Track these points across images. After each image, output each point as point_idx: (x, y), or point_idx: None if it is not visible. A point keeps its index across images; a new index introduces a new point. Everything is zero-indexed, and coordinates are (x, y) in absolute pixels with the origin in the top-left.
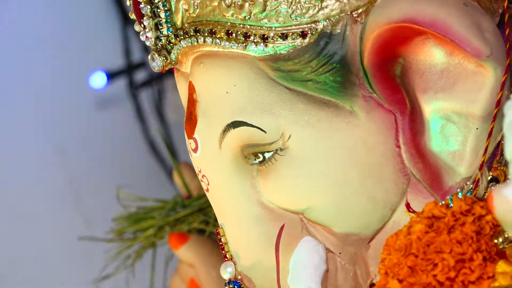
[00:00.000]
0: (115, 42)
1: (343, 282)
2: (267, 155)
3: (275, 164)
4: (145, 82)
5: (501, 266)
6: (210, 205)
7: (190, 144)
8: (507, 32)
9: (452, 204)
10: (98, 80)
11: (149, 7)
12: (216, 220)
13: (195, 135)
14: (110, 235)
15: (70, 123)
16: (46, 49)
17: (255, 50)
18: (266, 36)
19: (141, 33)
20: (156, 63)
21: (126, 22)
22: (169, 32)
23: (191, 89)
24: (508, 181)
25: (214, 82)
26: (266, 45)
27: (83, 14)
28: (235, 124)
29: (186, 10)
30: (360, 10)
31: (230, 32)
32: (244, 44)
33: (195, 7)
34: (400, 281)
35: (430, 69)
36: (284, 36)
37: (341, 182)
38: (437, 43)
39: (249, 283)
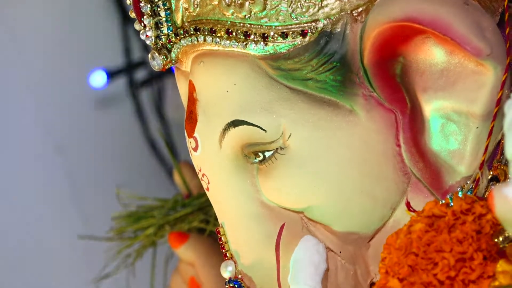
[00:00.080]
0: (115, 41)
1: (343, 281)
2: (267, 154)
3: (275, 163)
4: (145, 81)
5: (502, 265)
6: (210, 204)
7: (190, 143)
8: (507, 31)
9: (452, 203)
10: (98, 79)
11: (149, 6)
12: (216, 219)
13: (195, 134)
14: (110, 234)
15: (70, 122)
16: (46, 47)
17: (255, 49)
18: (266, 35)
19: (141, 32)
20: (156, 62)
21: (126, 21)
22: (169, 31)
23: (191, 88)
24: (508, 180)
25: (214, 81)
26: (266, 44)
27: (83, 12)
28: (236, 123)
29: (186, 9)
30: (360, 9)
31: (230, 31)
32: (244, 43)
33: (195, 6)
34: (401, 280)
35: (430, 68)
36: (284, 35)
37: (341, 181)
38: (437, 42)
39: (249, 282)
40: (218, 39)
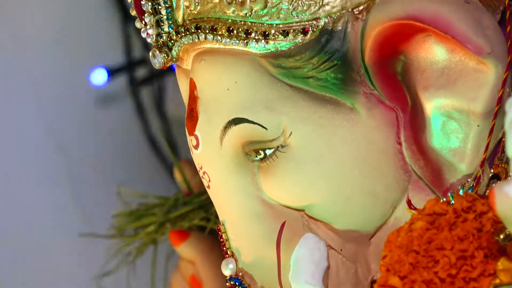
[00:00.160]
0: (116, 39)
1: (344, 279)
2: (268, 152)
3: (276, 161)
4: (145, 79)
5: (503, 263)
6: (211, 202)
7: (191, 141)
8: (508, 29)
9: (453, 201)
10: (99, 76)
11: (150, 4)
12: (217, 217)
13: (196, 132)
14: (111, 232)
15: (70, 119)
16: (46, 45)
17: (256, 47)
18: (267, 33)
19: (142, 30)
20: (157, 60)
21: (127, 19)
22: (170, 29)
23: (192, 86)
24: (509, 178)
25: (215, 79)
26: (267, 42)
27: (84, 11)
28: (236, 121)
29: (187, 7)
30: (361, 7)
31: (231, 29)
32: (245, 41)
33: (196, 4)
34: (402, 278)
35: (431, 66)
36: (285, 33)
37: (342, 179)
38: (438, 40)
39: (250, 280)
40: (219, 37)
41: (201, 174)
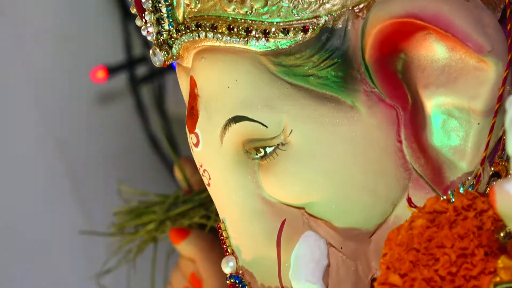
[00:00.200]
0: (116, 37)
1: (344, 277)
2: (268, 150)
3: (276, 159)
4: (146, 77)
5: (503, 261)
6: (211, 200)
7: (191, 138)
8: (508, 27)
9: (453, 199)
10: (99, 74)
11: (150, 2)
12: (217, 215)
13: (197, 130)
14: (111, 230)
15: (71, 117)
16: (47, 43)
17: (256, 45)
18: (267, 31)
19: (142, 28)
20: (158, 58)
21: (127, 17)
22: (170, 27)
23: (193, 84)
24: (510, 176)
25: (215, 77)
26: (267, 40)
27: (84, 9)
28: (237, 119)
29: (188, 5)
30: (361, 5)
31: (231, 27)
32: (246, 39)
33: (197, 1)
34: (402, 276)
35: (432, 65)
36: (285, 31)
37: (342, 177)
38: (438, 38)
39: (250, 277)
40: (219, 35)
41: (201, 172)
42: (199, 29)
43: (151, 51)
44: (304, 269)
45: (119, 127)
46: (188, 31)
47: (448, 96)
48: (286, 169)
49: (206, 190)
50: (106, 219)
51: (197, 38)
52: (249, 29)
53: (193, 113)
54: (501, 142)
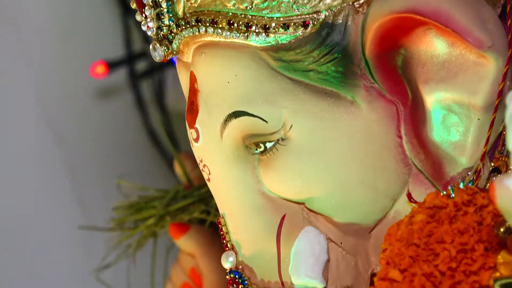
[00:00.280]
0: (116, 32)
1: (344, 272)
2: (268, 145)
3: (276, 154)
4: (145, 72)
5: (503, 256)
6: (211, 195)
7: (191, 134)
8: (509, 23)
9: (453, 195)
10: (99, 69)
11: None
12: (217, 209)
13: (197, 125)
14: (111, 225)
15: (70, 112)
16: (47, 38)
17: (256, 40)
18: (267, 26)
19: (142, 23)
20: (158, 53)
21: (127, 12)
22: (170, 22)
23: (193, 79)
24: (510, 171)
25: (215, 72)
26: (267, 35)
27: (84, 4)
28: (237, 114)
29: (188, 0)
30: (361, 1)
31: (231, 22)
32: (246, 34)
33: None
34: (402, 271)
35: (432, 60)
36: (285, 26)
37: (342, 172)
38: (438, 33)
39: (250, 272)
40: (219, 30)
41: (201, 167)
42: (199, 24)
43: (151, 46)
44: (304, 264)
45: (118, 122)
46: (188, 26)
47: (448, 92)
48: (286, 164)
49: (206, 185)
50: (105, 214)
51: (197, 33)
52: (249, 24)
53: (193, 108)
54: (501, 137)
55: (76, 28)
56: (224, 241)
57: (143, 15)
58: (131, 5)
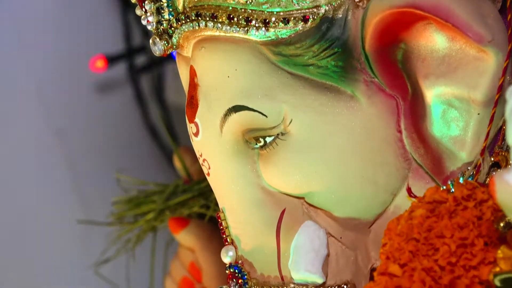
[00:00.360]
0: (116, 26)
1: (344, 267)
2: (268, 139)
3: (276, 149)
4: (145, 67)
5: (503, 251)
6: (210, 190)
7: (191, 128)
8: (509, 17)
9: (453, 189)
10: (98, 64)
11: None
12: (216, 204)
13: (196, 119)
14: (110, 219)
15: (70, 107)
16: (46, 33)
17: (256, 34)
18: (267, 20)
19: (142, 17)
20: (158, 47)
21: (127, 6)
22: (170, 16)
23: (193, 73)
24: (509, 166)
25: (215, 67)
26: (267, 30)
27: None
28: (236, 109)
29: None
30: None
31: (231, 16)
32: (246, 28)
33: None
34: (401, 266)
35: (432, 55)
36: (285, 21)
37: (342, 167)
38: (438, 28)
39: (250, 267)
40: (219, 25)
41: (201, 161)
42: (199, 18)
43: (151, 41)
44: (303, 259)
45: (118, 116)
46: (188, 20)
47: (448, 86)
48: (285, 159)
49: (205, 179)
50: (105, 209)
51: (197, 28)
52: (249, 19)
53: (192, 103)
54: (501, 132)
55: (76, 22)
56: (224, 236)
57: (143, 9)
58: None
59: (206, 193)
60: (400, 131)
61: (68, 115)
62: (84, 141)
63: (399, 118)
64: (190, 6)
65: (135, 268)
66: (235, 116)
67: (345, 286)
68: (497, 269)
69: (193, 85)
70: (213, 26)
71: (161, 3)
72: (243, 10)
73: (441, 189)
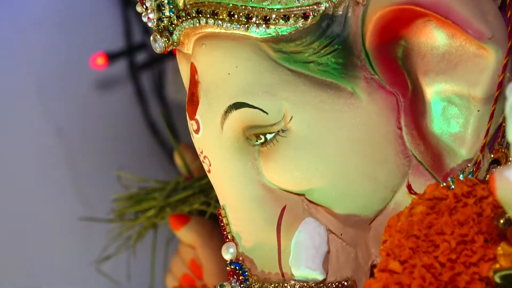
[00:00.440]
0: (116, 23)
1: (344, 263)
2: (268, 136)
3: (276, 146)
4: (145, 64)
5: (503, 247)
6: (211, 186)
7: (191, 125)
8: (508, 14)
9: (453, 186)
10: (99, 61)
11: None
12: (217, 201)
13: (197, 116)
14: (111, 216)
15: (70, 104)
16: (47, 30)
17: (257, 31)
18: (268, 17)
19: (143, 14)
20: (158, 44)
21: (127, 3)
22: (171, 13)
23: (193, 71)
24: (509, 163)
25: (216, 64)
26: (268, 27)
27: None
28: (237, 105)
29: None
30: None
31: (232, 13)
32: (246, 25)
33: None
34: (402, 263)
35: (432, 51)
36: (286, 18)
37: (342, 164)
38: (439, 25)
39: (251, 264)
40: (220, 22)
41: (201, 158)
42: (200, 15)
43: (151, 38)
44: (304, 255)
45: (118, 113)
46: (188, 17)
47: (448, 83)
48: (286, 156)
49: (206, 176)
50: (106, 206)
51: (197, 25)
52: (250, 16)
53: (193, 100)
54: (501, 129)
55: (76, 19)
56: (225, 233)
57: (144, 6)
58: None
59: (206, 190)
60: (400, 128)
61: (69, 112)
62: (84, 138)
63: (399, 115)
64: (191, 3)
65: (136, 265)
66: (235, 113)
67: (345, 283)
68: (497, 265)
69: (194, 82)
70: (214, 23)
71: (162, 0)
72: (243, 7)
73: (441, 186)
